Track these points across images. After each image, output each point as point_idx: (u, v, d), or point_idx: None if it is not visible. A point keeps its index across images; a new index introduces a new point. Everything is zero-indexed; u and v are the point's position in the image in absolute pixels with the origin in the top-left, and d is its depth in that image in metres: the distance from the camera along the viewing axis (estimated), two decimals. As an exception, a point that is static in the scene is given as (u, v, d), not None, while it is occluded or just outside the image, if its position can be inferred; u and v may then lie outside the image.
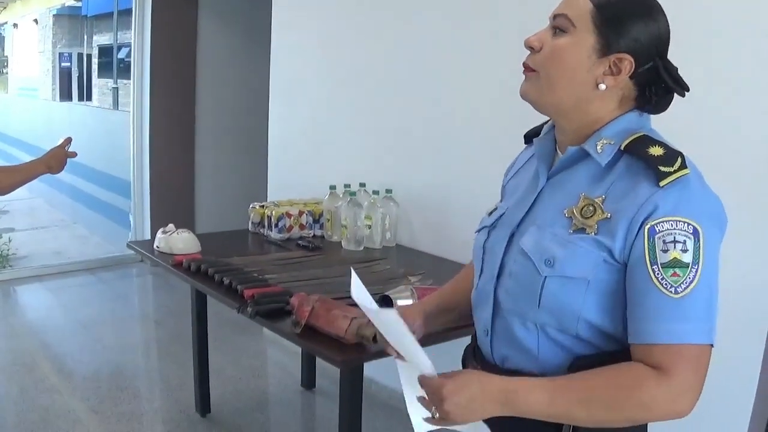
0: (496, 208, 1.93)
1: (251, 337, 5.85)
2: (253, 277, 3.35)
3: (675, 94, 1.71)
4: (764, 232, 2.90)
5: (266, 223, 4.40)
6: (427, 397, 1.67)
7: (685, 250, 1.53)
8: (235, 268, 3.49)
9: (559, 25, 1.69)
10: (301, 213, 4.40)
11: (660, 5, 1.69)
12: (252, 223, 4.52)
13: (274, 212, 4.34)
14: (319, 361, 4.91)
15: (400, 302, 2.77)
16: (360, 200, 4.29)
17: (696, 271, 1.53)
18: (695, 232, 1.54)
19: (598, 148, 1.68)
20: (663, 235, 1.54)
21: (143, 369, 5.33)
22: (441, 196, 4.27)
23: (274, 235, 4.32)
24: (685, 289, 1.52)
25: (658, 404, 1.52)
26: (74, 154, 3.60)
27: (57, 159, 3.53)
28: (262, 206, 4.52)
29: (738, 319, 2.86)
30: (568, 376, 1.61)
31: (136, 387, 4.95)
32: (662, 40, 1.68)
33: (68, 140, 3.62)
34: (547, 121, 1.89)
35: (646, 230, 1.55)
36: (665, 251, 1.53)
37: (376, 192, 4.32)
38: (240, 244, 4.27)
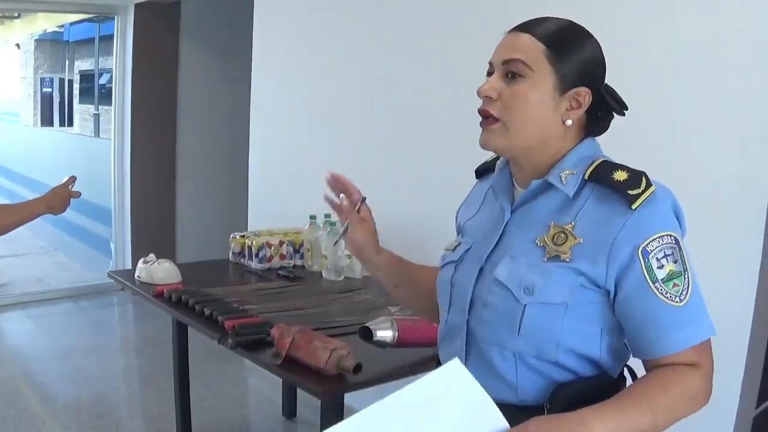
0: (459, 244, 1.95)
1: (232, 366, 5.85)
2: (234, 307, 3.37)
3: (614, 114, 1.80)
4: (736, 230, 2.95)
5: (247, 253, 4.42)
6: None
7: (675, 261, 1.62)
8: (216, 298, 3.50)
9: (515, 71, 1.71)
10: (281, 243, 4.42)
11: (588, 31, 1.77)
12: (232, 253, 4.54)
13: (254, 242, 4.35)
14: (300, 390, 4.90)
15: (380, 333, 2.79)
16: (340, 231, 4.27)
17: (688, 276, 1.63)
18: (676, 241, 1.63)
19: (563, 179, 1.73)
20: (655, 254, 1.61)
21: (124, 398, 5.32)
22: (421, 228, 4.29)
23: (254, 265, 4.34)
24: (686, 295, 1.61)
25: (700, 394, 1.61)
26: (78, 194, 3.47)
27: (59, 198, 3.39)
28: (243, 236, 4.53)
29: (720, 318, 2.90)
30: (618, 395, 1.62)
31: (118, 415, 4.95)
32: (603, 65, 1.77)
33: (72, 179, 3.50)
34: (497, 156, 1.95)
35: (639, 254, 1.61)
36: (661, 267, 1.61)
37: None
38: (221, 274, 4.29)
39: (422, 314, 2.30)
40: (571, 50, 1.70)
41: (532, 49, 1.70)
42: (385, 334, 2.81)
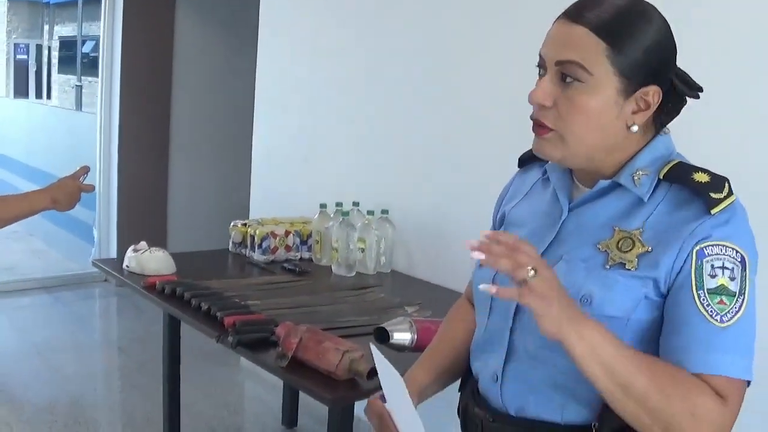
0: None
1: (227, 368, 5.89)
2: (235, 302, 3.40)
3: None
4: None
5: (249, 243, 4.45)
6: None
7: (732, 278, 1.58)
8: (214, 292, 3.54)
9: (571, 74, 1.66)
10: (287, 233, 4.46)
11: (652, 6, 1.72)
12: (233, 242, 4.58)
13: (257, 231, 4.38)
14: (302, 397, 4.95)
15: (397, 335, 2.82)
16: (353, 221, 4.34)
17: (742, 302, 1.58)
18: (743, 261, 1.60)
19: (635, 180, 1.71)
20: (712, 260, 1.59)
21: (105, 402, 5.36)
22: (442, 219, 4.32)
23: (257, 256, 4.38)
24: (731, 318, 1.56)
25: (706, 422, 1.53)
26: (91, 188, 3.34)
27: (67, 192, 3.24)
28: (245, 224, 4.56)
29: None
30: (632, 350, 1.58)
31: (97, 422, 4.98)
32: (673, 48, 1.72)
33: (85, 170, 3.37)
34: None
35: (694, 252, 1.59)
36: (713, 276, 1.58)
37: (371, 212, 4.35)
38: (219, 265, 4.34)
39: None
40: (636, 41, 1.65)
41: (589, 47, 1.64)
42: (402, 336, 2.84)
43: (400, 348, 2.82)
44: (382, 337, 2.82)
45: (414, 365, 2.13)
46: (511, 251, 1.52)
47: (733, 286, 1.58)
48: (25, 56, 15.04)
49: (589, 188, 1.79)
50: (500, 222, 2.05)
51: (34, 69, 14.77)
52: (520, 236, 1.80)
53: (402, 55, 4.56)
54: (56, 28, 14.17)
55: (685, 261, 1.60)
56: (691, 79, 1.77)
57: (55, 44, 14.18)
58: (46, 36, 14.55)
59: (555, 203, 1.86)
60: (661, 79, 1.69)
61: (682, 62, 1.76)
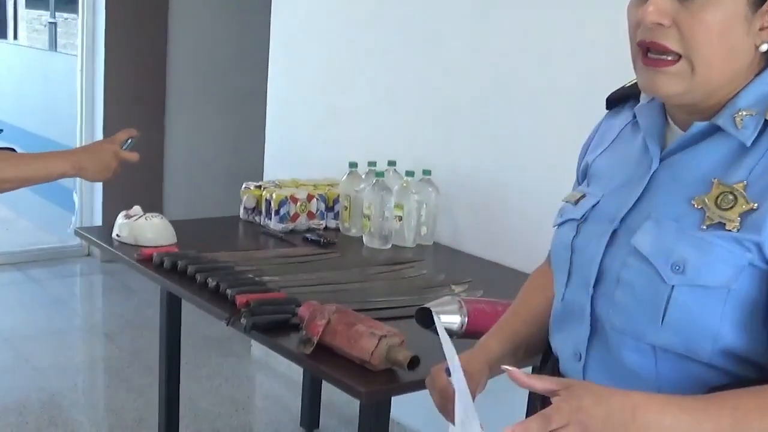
0: (583, 195, 1.94)
1: (235, 359, 5.93)
2: (248, 278, 3.41)
3: None
4: None
5: (264, 210, 4.46)
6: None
7: None
8: (224, 266, 3.54)
9: None
10: (310, 197, 4.46)
11: None
12: (245, 208, 4.58)
13: (274, 196, 4.38)
14: (324, 393, 4.98)
15: (444, 318, 2.80)
16: (389, 183, 4.32)
17: None
18: None
19: (737, 122, 1.69)
20: None
21: (87, 399, 5.42)
22: (496, 182, 4.30)
23: (274, 225, 4.38)
24: None
25: None
26: (135, 158, 3.35)
27: (98, 158, 3.22)
28: (259, 187, 4.56)
29: None
30: (702, 396, 1.60)
31: (77, 423, 5.02)
32: None
33: (129, 134, 3.40)
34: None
35: None
36: None
37: (410, 173, 4.34)
38: (228, 235, 4.37)
39: None
40: None
41: None
42: (450, 319, 2.80)
43: (447, 333, 2.80)
44: (426, 320, 2.77)
45: (486, 335, 2.16)
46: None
47: None
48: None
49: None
50: (583, 174, 2.05)
51: (-3, 3, 14.79)
52: (603, 192, 1.87)
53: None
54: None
55: None
56: None
57: (20, -27, 14.20)
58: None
59: (645, 152, 1.84)
60: None
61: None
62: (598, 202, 1.88)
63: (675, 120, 1.82)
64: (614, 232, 1.79)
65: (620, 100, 2.01)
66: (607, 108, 2.07)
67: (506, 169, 4.26)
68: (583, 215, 1.89)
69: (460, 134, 4.50)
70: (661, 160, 1.79)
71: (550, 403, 1.74)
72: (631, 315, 1.71)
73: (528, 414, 2.08)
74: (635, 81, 1.89)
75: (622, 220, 1.78)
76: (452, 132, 4.54)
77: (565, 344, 1.91)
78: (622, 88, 2.01)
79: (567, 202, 1.98)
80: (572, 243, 1.88)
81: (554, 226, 1.99)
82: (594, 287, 1.80)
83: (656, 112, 1.85)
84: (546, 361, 2.09)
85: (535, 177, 4.07)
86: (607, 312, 1.77)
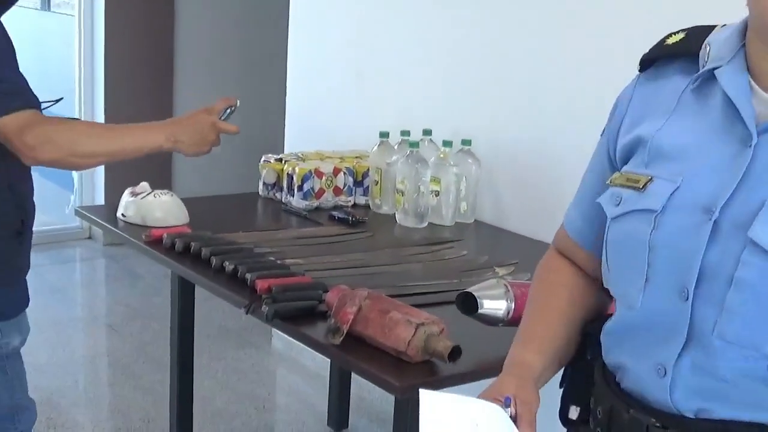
0: (650, 179, 1.82)
1: (255, 352, 5.94)
2: (269, 262, 3.42)
3: None
4: None
5: (285, 185, 4.46)
6: None
7: None
8: (242, 248, 3.56)
9: None
10: (336, 171, 4.46)
11: None
12: (264, 184, 4.59)
13: (297, 169, 4.39)
14: (354, 390, 5.00)
15: (489, 304, 2.80)
16: (424, 155, 4.30)
17: None
18: None
19: None
20: None
21: (89, 398, 5.46)
22: (543, 153, 4.30)
23: (296, 202, 4.39)
24: None
25: None
26: (235, 130, 3.40)
27: (195, 130, 3.28)
28: (280, 160, 4.57)
29: None
30: None
31: (78, 424, 5.05)
32: None
33: (228, 102, 3.43)
34: (686, 36, 1.87)
35: None
36: None
37: (447, 143, 4.31)
38: (246, 214, 4.39)
39: None
40: None
41: None
42: (496, 305, 2.81)
43: (492, 321, 2.80)
44: (469, 305, 2.78)
45: (517, 346, 2.09)
46: None
47: None
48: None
49: None
50: (629, 151, 1.94)
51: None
52: (683, 175, 1.76)
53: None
54: None
55: None
56: None
57: None
58: None
59: (731, 123, 1.74)
60: None
61: None
62: (678, 188, 1.76)
63: (763, 85, 1.71)
64: (715, 223, 1.68)
65: (658, 60, 1.94)
66: (640, 69, 2.00)
67: (554, 138, 4.24)
68: (664, 204, 1.76)
69: (504, 100, 4.48)
70: (758, 134, 1.68)
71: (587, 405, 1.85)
72: (751, 323, 1.62)
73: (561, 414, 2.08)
74: (678, 37, 1.88)
75: (723, 208, 1.67)
76: (494, 98, 4.52)
77: (640, 359, 1.82)
78: (659, 46, 1.94)
79: (622, 186, 1.86)
80: (650, 239, 1.77)
81: (611, 218, 1.89)
82: (694, 290, 1.70)
83: (741, 76, 1.74)
84: (578, 371, 2.06)
85: (588, 147, 4.00)
86: (714, 320, 1.67)
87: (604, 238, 1.91)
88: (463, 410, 1.75)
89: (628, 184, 1.84)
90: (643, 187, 1.80)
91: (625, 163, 1.93)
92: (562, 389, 2.13)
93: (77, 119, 3.25)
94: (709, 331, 1.68)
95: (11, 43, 3.00)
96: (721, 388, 1.69)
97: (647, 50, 1.98)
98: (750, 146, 1.67)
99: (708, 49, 1.81)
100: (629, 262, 1.82)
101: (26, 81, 2.99)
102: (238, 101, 3.41)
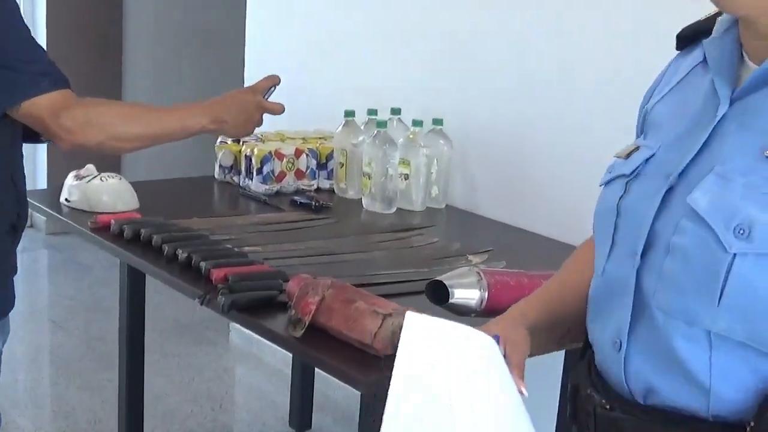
0: (637, 148, 1.91)
1: (211, 348, 5.94)
2: (226, 249, 3.43)
3: None
4: None
5: (244, 168, 4.48)
6: None
7: None
8: (196, 235, 3.57)
9: None
10: (298, 153, 4.48)
11: None
12: (220, 166, 4.62)
13: (255, 151, 4.40)
14: (318, 386, 5.00)
15: (460, 293, 2.81)
16: (393, 135, 4.31)
17: None
18: None
19: None
20: None
21: (31, 398, 5.46)
22: (520, 134, 4.31)
23: (255, 186, 4.41)
24: None
25: None
26: (280, 109, 3.48)
27: (240, 110, 3.36)
28: (237, 141, 4.55)
29: None
30: None
31: (19, 426, 5.05)
32: None
33: (272, 81, 3.50)
34: (715, 14, 1.88)
35: None
36: None
37: (417, 123, 4.31)
38: (201, 199, 4.42)
39: None
40: None
41: None
42: (468, 294, 2.80)
43: (464, 311, 2.78)
44: (439, 295, 2.75)
45: (521, 300, 2.18)
46: None
47: None
48: None
49: None
50: (642, 123, 2.04)
51: None
52: (661, 143, 1.84)
53: None
54: None
55: None
56: None
57: None
58: None
59: (713, 94, 1.79)
60: None
61: None
62: (653, 155, 1.85)
63: (750, 53, 1.78)
64: (670, 189, 1.75)
65: (695, 36, 1.96)
66: (677, 47, 2.03)
67: (532, 118, 4.26)
68: (634, 170, 1.86)
69: (477, 78, 4.50)
70: (731, 103, 1.74)
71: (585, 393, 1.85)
72: (682, 292, 1.66)
73: (561, 400, 2.11)
74: (712, 13, 1.89)
75: (680, 175, 1.74)
76: (467, 75, 4.54)
77: (604, 329, 1.87)
78: (697, 22, 1.96)
79: (618, 156, 1.95)
80: (618, 204, 1.86)
81: (600, 185, 1.97)
82: (642, 257, 1.76)
83: (729, 45, 1.81)
84: (583, 357, 2.05)
85: (568, 128, 4.07)
86: (655, 288, 1.73)
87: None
88: (449, 335, 1.75)
89: (621, 154, 1.93)
90: (627, 156, 1.89)
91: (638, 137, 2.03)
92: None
93: (112, 100, 3.25)
94: (651, 300, 1.74)
95: (22, 19, 3.00)
96: (676, 369, 1.71)
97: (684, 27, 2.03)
98: (716, 115, 1.74)
99: (717, 24, 1.87)
100: (602, 227, 1.93)
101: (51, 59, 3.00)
102: (279, 77, 3.46)
